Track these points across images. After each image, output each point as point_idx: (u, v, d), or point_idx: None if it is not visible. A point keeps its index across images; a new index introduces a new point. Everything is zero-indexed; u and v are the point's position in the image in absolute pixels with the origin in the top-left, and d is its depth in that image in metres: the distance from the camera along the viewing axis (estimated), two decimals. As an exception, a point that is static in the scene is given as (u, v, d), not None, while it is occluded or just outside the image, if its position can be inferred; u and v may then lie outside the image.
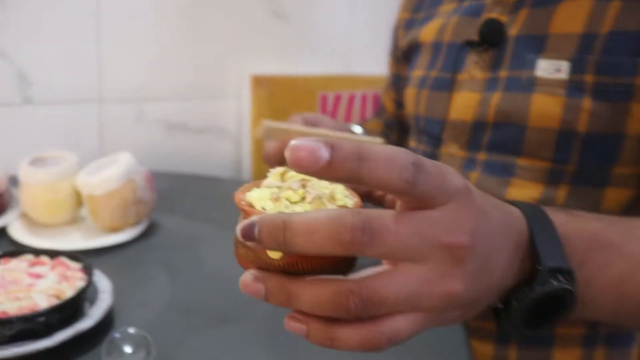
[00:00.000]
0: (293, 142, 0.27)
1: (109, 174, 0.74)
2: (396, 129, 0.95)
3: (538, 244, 0.36)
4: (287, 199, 0.31)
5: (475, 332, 0.72)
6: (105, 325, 0.54)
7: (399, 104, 0.93)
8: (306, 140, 0.27)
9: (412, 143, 0.82)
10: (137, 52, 1.08)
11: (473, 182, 0.70)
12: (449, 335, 0.59)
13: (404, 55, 0.88)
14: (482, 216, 0.32)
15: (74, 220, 0.80)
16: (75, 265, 0.59)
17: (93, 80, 1.04)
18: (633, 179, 0.66)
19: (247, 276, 0.31)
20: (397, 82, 0.93)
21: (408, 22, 0.88)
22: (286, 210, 0.30)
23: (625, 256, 0.42)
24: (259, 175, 1.16)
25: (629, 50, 0.62)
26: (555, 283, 0.36)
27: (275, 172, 0.33)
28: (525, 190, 0.68)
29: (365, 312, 0.29)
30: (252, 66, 1.17)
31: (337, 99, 1.26)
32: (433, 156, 0.75)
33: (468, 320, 0.72)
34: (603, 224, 0.42)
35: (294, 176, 0.32)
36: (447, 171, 0.30)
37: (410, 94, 0.81)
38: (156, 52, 1.10)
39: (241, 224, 0.29)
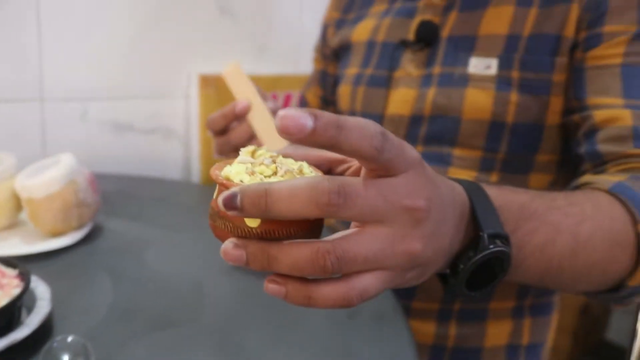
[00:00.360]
0: (281, 112, 0.29)
1: (49, 176, 0.71)
2: None
3: (479, 214, 0.40)
4: (261, 173, 0.33)
5: (417, 314, 0.78)
6: (43, 334, 0.53)
7: (325, 100, 0.96)
8: (293, 110, 0.29)
9: None
10: (81, 49, 1.04)
11: None
12: (389, 319, 0.59)
13: (333, 53, 0.93)
14: (434, 185, 0.35)
15: (13, 225, 0.77)
16: (11, 272, 0.57)
17: (35, 78, 1.01)
18: (552, 165, 0.74)
19: (228, 244, 0.32)
20: (324, 78, 0.96)
21: (338, 22, 0.93)
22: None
23: (547, 223, 0.47)
24: (209, 177, 1.14)
25: (548, 50, 0.70)
26: (494, 247, 0.40)
27: (246, 150, 0.35)
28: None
29: (340, 270, 0.32)
30: (200, 65, 1.15)
31: (287, 99, 1.26)
32: None
33: (410, 303, 0.76)
34: (529, 196, 0.48)
35: (263, 154, 0.35)
36: (405, 143, 0.33)
37: (344, 91, 0.85)
38: (101, 49, 1.07)
39: (223, 195, 0.30)
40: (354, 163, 0.40)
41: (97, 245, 0.74)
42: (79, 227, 0.75)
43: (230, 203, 0.30)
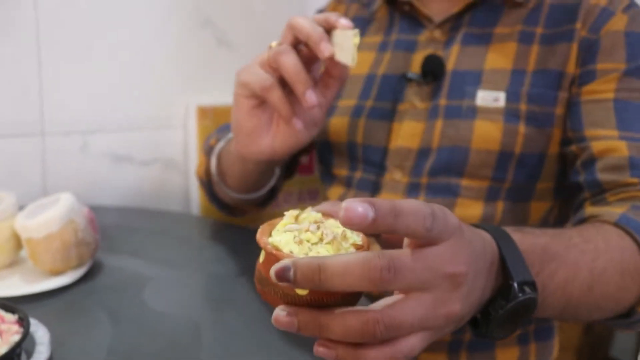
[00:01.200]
0: (344, 203, 0.32)
1: (48, 217, 0.72)
2: None
3: (508, 263, 0.44)
4: (308, 241, 0.36)
5: (428, 347, 0.76)
6: (43, 380, 0.53)
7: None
8: (355, 202, 0.32)
9: (343, 171, 0.86)
10: (81, 82, 1.06)
11: None
12: None
13: None
14: (470, 246, 0.39)
15: (13, 263, 0.78)
16: (11, 317, 0.57)
17: (36, 113, 1.02)
18: (549, 192, 0.79)
19: (280, 313, 0.36)
20: None
21: None
22: (310, 252, 0.36)
23: (567, 263, 0.52)
24: (209, 207, 1.16)
25: (552, 85, 0.75)
26: (524, 294, 0.44)
27: (290, 215, 0.38)
28: (469, 209, 0.77)
29: (388, 336, 0.35)
30: (198, 97, 1.17)
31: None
32: (376, 183, 0.82)
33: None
34: (548, 238, 0.52)
35: (306, 217, 0.38)
36: (447, 213, 0.37)
37: (340, 122, 0.86)
38: (100, 82, 1.09)
39: (276, 267, 0.33)
40: None
41: (96, 283, 0.75)
42: (79, 265, 0.75)
43: (283, 275, 0.33)
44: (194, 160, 1.17)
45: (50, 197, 0.78)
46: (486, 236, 0.44)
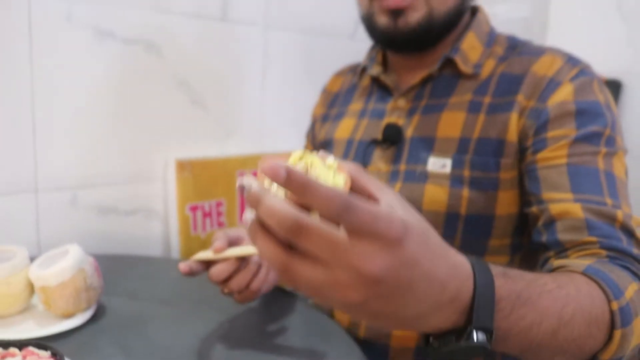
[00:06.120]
0: (263, 165, 0.38)
1: (62, 266, 0.83)
2: None
3: (475, 307, 0.45)
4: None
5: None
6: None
7: None
8: (277, 164, 0.37)
9: None
10: (70, 143, 1.16)
11: None
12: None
13: (320, 145, 1.06)
14: (403, 260, 0.39)
15: (26, 309, 0.88)
16: (45, 353, 0.68)
17: (30, 172, 1.12)
18: (506, 248, 0.84)
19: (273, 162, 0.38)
20: None
21: (324, 117, 1.08)
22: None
23: (537, 309, 0.51)
24: (188, 252, 1.27)
25: (492, 152, 0.81)
26: (475, 340, 0.45)
27: (295, 156, 0.45)
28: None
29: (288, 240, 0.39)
30: (176, 151, 1.29)
31: (254, 175, 1.40)
32: None
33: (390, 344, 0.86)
34: (525, 284, 0.52)
35: (306, 159, 0.44)
36: (382, 219, 0.38)
37: None
38: (88, 141, 1.19)
39: (271, 164, 0.38)
40: None
41: (103, 323, 0.85)
42: (87, 308, 0.86)
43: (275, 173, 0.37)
44: (173, 209, 1.28)
45: (58, 249, 0.88)
46: (465, 272, 0.45)
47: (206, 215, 1.32)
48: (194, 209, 1.31)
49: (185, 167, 1.28)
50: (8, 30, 1.06)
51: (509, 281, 0.50)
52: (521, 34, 0.93)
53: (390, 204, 0.41)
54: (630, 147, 0.81)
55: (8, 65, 1.07)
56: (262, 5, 1.40)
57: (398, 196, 0.44)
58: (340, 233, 0.38)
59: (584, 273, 0.61)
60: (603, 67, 2.29)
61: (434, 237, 0.44)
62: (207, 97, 1.35)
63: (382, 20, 0.85)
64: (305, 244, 0.38)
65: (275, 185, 0.40)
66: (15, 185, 1.11)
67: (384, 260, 0.38)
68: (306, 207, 0.38)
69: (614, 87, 2.28)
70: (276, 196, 0.39)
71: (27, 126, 1.11)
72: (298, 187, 0.37)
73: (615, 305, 0.57)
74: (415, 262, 0.40)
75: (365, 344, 0.88)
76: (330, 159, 0.44)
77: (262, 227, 0.40)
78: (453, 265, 0.44)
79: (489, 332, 0.46)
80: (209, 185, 1.32)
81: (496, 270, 0.49)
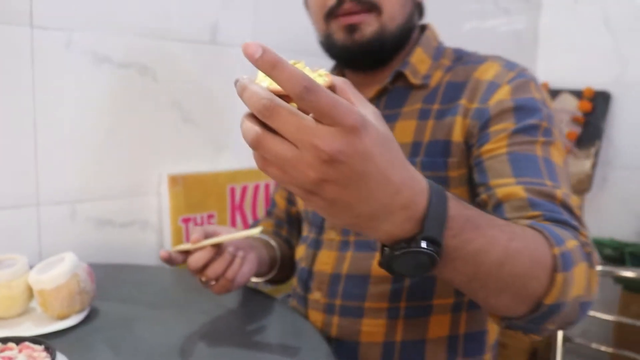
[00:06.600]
0: (244, 45, 0.41)
1: (57, 271, 0.91)
2: (286, 226, 1.19)
3: (427, 218, 0.49)
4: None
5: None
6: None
7: (290, 201, 1.17)
8: (255, 44, 0.41)
9: (305, 232, 1.06)
10: (70, 159, 1.25)
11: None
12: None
13: None
14: (361, 147, 0.43)
15: (25, 312, 0.96)
16: (39, 347, 0.75)
17: (32, 187, 1.20)
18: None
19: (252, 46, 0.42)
20: None
21: None
22: None
23: (485, 236, 0.55)
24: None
25: (440, 152, 0.88)
26: (425, 247, 0.49)
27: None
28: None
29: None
30: (169, 167, 1.38)
31: (244, 190, 1.49)
32: (317, 241, 0.99)
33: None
34: (476, 212, 0.57)
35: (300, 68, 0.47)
36: (342, 106, 0.42)
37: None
38: (86, 158, 1.27)
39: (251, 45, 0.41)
40: None
41: (95, 324, 0.92)
42: (81, 310, 0.93)
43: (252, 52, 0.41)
44: (167, 221, 1.36)
45: (54, 257, 0.96)
46: (419, 185, 0.49)
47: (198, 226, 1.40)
48: (186, 220, 1.38)
49: (177, 182, 1.36)
50: (13, 57, 1.15)
51: (461, 205, 0.54)
52: (512, 47, 0.97)
53: (363, 111, 0.45)
54: (618, 155, 0.84)
55: (12, 89, 1.16)
56: (249, 28, 1.50)
57: (377, 112, 0.48)
58: (308, 117, 0.42)
59: (529, 225, 0.67)
60: (592, 79, 2.36)
61: (396, 149, 0.48)
62: (199, 115, 1.43)
63: (340, 36, 0.92)
64: (276, 123, 0.42)
65: (265, 82, 0.45)
66: (19, 200, 1.19)
67: (340, 143, 0.42)
68: (287, 100, 0.43)
69: (603, 98, 2.29)
70: (259, 85, 0.43)
71: (30, 145, 1.20)
72: (268, 63, 0.40)
73: (556, 250, 0.62)
74: (369, 155, 0.43)
75: (336, 343, 0.95)
76: (322, 70, 0.49)
77: (248, 113, 0.45)
78: (410, 177, 0.48)
79: (437, 244, 0.49)
80: (200, 198, 1.40)
81: (451, 195, 0.53)
